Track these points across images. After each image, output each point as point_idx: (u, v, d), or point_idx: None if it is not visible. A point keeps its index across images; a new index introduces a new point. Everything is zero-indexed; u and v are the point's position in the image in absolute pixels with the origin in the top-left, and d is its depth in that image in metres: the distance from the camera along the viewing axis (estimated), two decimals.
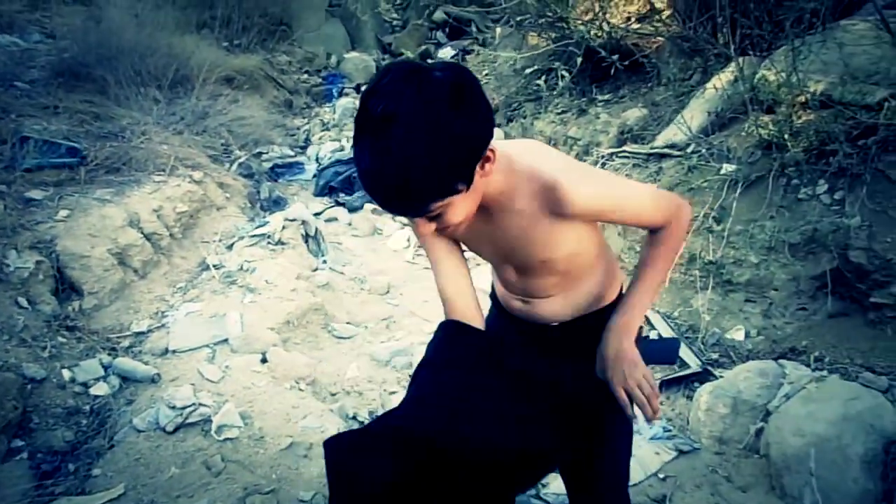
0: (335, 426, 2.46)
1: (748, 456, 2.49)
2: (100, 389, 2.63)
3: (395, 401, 2.69)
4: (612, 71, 4.49)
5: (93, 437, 2.41)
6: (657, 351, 1.44)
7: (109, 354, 2.84)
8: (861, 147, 2.89)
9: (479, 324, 1.35)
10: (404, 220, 4.76)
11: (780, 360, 2.70)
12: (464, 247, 1.38)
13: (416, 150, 0.98)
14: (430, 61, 7.73)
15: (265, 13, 8.27)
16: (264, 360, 2.83)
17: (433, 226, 1.13)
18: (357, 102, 6.84)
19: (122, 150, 4.16)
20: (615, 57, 4.36)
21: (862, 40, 3.06)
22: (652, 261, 1.34)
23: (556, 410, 1.24)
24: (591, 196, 1.20)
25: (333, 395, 2.76)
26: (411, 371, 2.93)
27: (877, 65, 2.99)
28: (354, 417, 2.58)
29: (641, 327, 1.36)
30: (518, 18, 6.59)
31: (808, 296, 2.92)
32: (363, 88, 6.53)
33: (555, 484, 2.33)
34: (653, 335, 3.26)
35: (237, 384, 2.64)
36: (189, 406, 2.41)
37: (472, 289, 1.37)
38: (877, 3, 2.98)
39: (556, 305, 1.40)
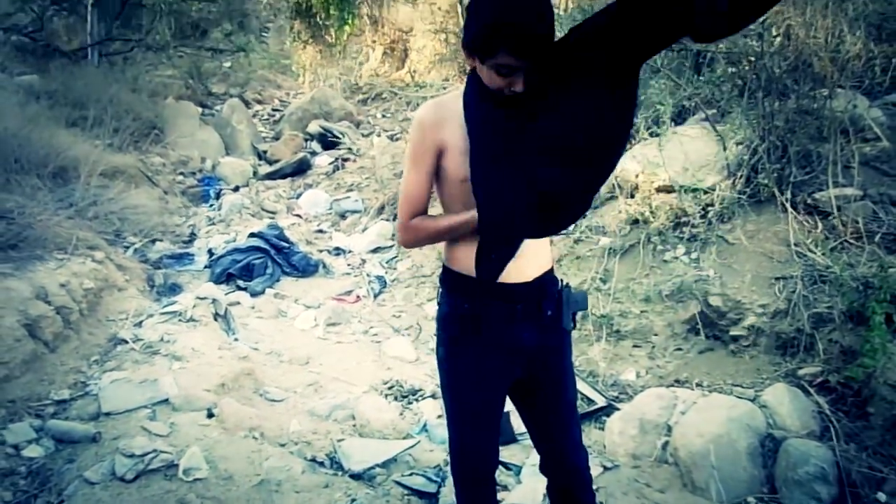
0: (300, 466, 2.53)
1: (660, 465, 2.91)
2: (33, 452, 2.47)
3: (346, 445, 2.80)
4: None
5: (37, 496, 2.26)
6: (580, 299, 1.79)
7: (36, 418, 2.67)
8: (706, 218, 3.70)
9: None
10: (310, 301, 4.90)
11: (671, 387, 3.24)
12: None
13: None
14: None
15: (138, 117, 8.29)
16: (210, 416, 2.82)
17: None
18: (244, 199, 6.99)
19: (14, 229, 3.99)
20: None
21: (695, 140, 3.99)
22: None
23: None
24: None
25: (283, 445, 2.81)
26: (354, 423, 3.07)
27: (707, 157, 3.90)
28: (314, 459, 2.65)
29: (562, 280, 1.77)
30: (392, 134, 7.37)
31: (682, 337, 3.55)
32: None
33: None
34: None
35: (188, 436, 2.62)
36: (149, 453, 2.36)
37: None
38: (707, 114, 3.95)
39: (530, 262, 1.66)
